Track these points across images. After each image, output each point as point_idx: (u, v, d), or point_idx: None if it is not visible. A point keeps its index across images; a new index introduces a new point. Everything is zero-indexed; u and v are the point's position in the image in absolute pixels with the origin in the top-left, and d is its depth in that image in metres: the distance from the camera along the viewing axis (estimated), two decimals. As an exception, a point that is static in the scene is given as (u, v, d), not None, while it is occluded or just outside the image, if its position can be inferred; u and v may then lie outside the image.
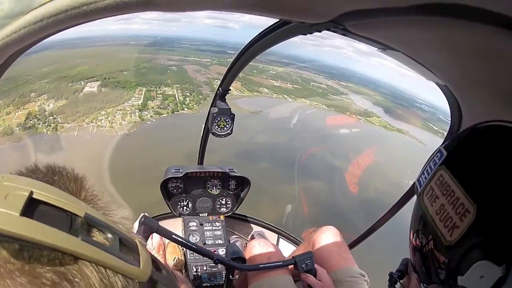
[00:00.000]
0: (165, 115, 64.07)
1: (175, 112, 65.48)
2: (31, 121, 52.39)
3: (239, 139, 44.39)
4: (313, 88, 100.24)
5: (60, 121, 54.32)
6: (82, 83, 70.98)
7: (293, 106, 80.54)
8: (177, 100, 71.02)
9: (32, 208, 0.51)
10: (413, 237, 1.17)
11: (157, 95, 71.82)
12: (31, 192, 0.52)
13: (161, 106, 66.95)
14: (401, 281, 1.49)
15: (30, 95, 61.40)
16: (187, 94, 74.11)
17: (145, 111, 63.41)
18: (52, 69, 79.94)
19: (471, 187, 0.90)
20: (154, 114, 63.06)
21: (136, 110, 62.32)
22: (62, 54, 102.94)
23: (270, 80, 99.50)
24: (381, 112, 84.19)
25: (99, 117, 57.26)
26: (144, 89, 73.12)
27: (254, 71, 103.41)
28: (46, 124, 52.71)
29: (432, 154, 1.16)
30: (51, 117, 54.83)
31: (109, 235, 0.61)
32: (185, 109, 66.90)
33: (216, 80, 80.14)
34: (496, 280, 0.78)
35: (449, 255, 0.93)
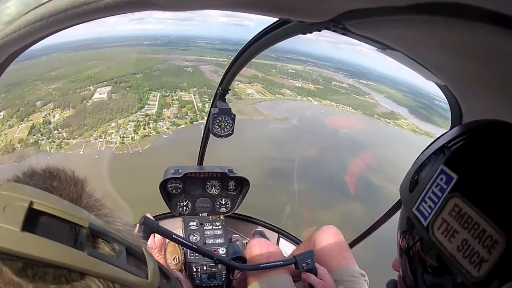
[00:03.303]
0: (183, 126, 55.67)
1: (194, 122, 56.82)
2: (34, 136, 46.14)
3: (267, 154, 39.79)
4: (335, 88, 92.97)
5: (65, 136, 47.49)
6: (92, 89, 63.57)
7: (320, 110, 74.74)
8: (196, 107, 62.80)
9: (33, 221, 0.48)
10: (400, 237, 1.11)
11: (173, 101, 63.73)
12: (31, 203, 0.49)
13: (178, 115, 58.74)
14: None
15: (35, 104, 54.71)
16: (206, 99, 65.63)
17: (160, 121, 55.14)
18: (61, 73, 73.38)
19: (497, 215, 0.79)
20: (171, 126, 54.89)
21: (150, 121, 54.16)
22: (73, 57, 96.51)
23: (291, 81, 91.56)
24: (406, 113, 79.46)
25: (109, 130, 49.72)
26: (158, 94, 65.24)
27: (273, 70, 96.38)
28: (50, 140, 46.19)
29: (430, 174, 1.00)
30: (55, 131, 48.10)
31: (116, 246, 0.58)
32: (205, 118, 56.60)
33: (236, 82, 74.29)
34: None
35: None
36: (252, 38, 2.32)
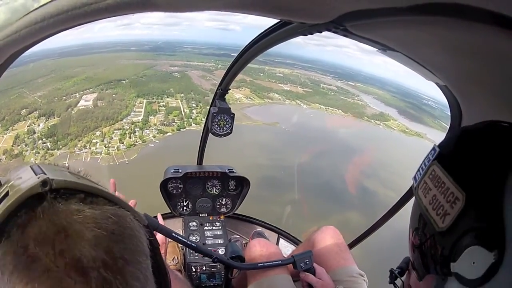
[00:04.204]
0: (170, 133, 53.89)
1: (182, 130, 55.18)
2: (19, 147, 44.91)
3: (259, 162, 38.19)
4: (324, 91, 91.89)
5: (49, 146, 46.17)
6: (77, 96, 62.01)
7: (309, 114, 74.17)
8: (183, 113, 61.03)
9: (78, 177, 0.70)
10: (412, 235, 1.19)
11: (160, 108, 61.88)
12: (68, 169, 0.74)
13: (165, 122, 56.86)
14: (401, 277, 1.49)
15: (20, 112, 53.25)
16: (193, 105, 63.98)
17: (146, 129, 53.40)
18: (48, 80, 71.92)
19: (459, 177, 0.94)
20: (158, 133, 53.07)
21: (136, 129, 52.47)
22: (61, 63, 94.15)
23: (279, 84, 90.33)
24: (395, 113, 78.20)
25: (94, 139, 48.02)
26: (144, 100, 63.56)
27: (261, 74, 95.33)
28: (34, 151, 44.77)
29: (428, 153, 1.18)
30: (40, 141, 46.81)
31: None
32: (193, 124, 56.56)
33: None
34: (489, 266, 0.79)
35: (442, 242, 0.96)
36: (253, 39, 2.34)
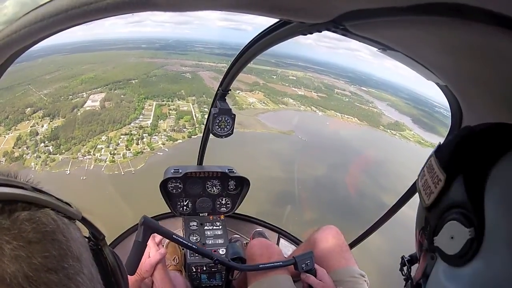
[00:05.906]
0: (180, 140, 50.33)
1: (193, 136, 51.22)
2: (20, 149, 42.25)
3: (275, 174, 36.69)
4: (338, 97, 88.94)
5: (51, 150, 43.12)
6: (85, 95, 59.14)
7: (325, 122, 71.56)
8: (195, 119, 57.39)
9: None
10: (418, 234, 1.21)
11: (170, 111, 58.55)
12: None
13: (175, 128, 53.32)
14: (409, 265, 1.47)
15: (25, 111, 50.87)
16: (205, 109, 59.41)
17: (155, 135, 50.04)
18: (55, 77, 69.34)
19: (444, 162, 1.02)
20: (167, 140, 49.64)
21: (144, 134, 49.25)
22: (69, 59, 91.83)
23: (293, 89, 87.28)
24: (410, 122, 76.35)
25: (99, 145, 44.97)
26: (154, 103, 60.41)
27: (274, 76, 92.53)
28: (35, 155, 42.01)
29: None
30: (42, 144, 43.96)
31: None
32: (205, 131, 52.27)
33: (238, 91, 72.61)
34: (466, 241, 0.86)
35: (428, 218, 1.07)
36: (253, 39, 2.33)
